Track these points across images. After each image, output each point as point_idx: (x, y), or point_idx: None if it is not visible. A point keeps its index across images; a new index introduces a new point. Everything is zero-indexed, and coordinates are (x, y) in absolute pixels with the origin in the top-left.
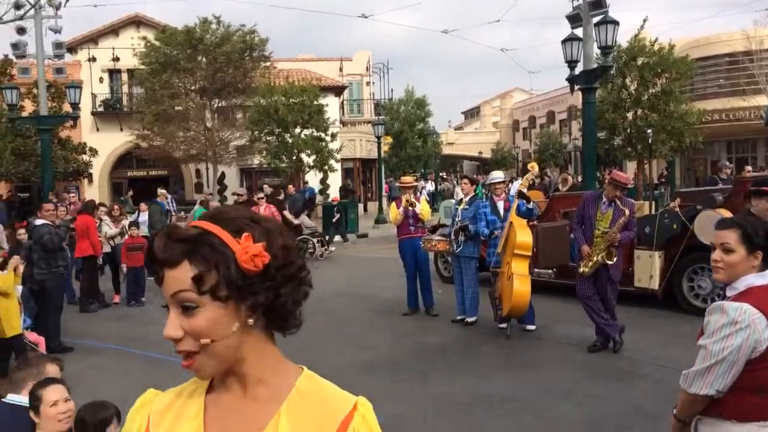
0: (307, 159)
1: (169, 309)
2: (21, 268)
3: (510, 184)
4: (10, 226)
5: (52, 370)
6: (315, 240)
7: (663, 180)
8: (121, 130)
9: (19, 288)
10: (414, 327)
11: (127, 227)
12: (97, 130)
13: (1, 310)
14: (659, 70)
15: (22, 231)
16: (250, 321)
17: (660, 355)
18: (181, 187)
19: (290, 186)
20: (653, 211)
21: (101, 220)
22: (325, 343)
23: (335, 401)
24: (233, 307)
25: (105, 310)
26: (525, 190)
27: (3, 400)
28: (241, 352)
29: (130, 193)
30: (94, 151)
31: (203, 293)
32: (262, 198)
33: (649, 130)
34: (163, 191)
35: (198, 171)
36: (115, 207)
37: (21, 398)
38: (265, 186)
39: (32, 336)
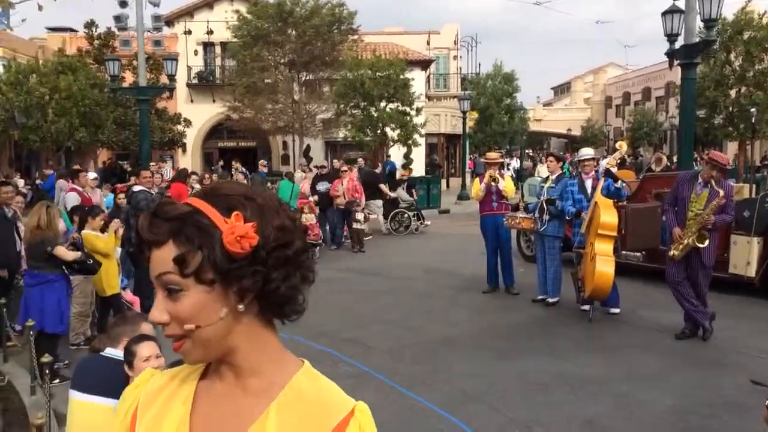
0: (392, 133)
1: (156, 291)
2: (120, 231)
3: (599, 163)
4: (113, 189)
5: (146, 327)
6: (411, 213)
7: (766, 162)
8: (214, 101)
9: (118, 250)
10: (494, 305)
11: None
12: (192, 101)
13: (102, 270)
14: (767, 45)
15: (122, 196)
16: (240, 307)
17: (752, 344)
18: (268, 159)
19: (360, 160)
20: (754, 195)
21: (193, 188)
22: (405, 317)
23: (331, 404)
24: (220, 292)
25: None
26: (613, 169)
27: (102, 353)
28: (231, 340)
29: (221, 162)
30: (188, 122)
31: (187, 276)
32: (346, 171)
33: (753, 109)
34: (237, 164)
35: (285, 143)
36: (206, 176)
37: (118, 352)
38: (335, 161)
39: (128, 296)
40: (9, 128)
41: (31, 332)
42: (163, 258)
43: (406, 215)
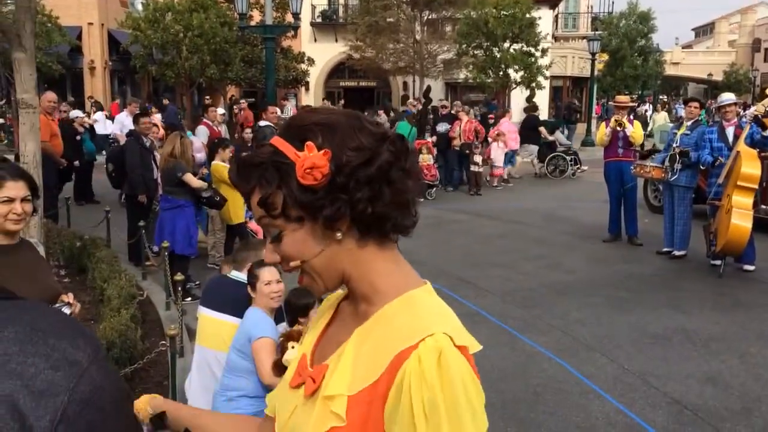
0: (515, 75)
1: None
2: None
3: (743, 110)
4: (240, 126)
5: None
6: (568, 158)
7: None
8: (336, 41)
9: None
10: (613, 254)
11: None
12: (315, 40)
13: (229, 200)
14: None
15: (248, 131)
16: (338, 235)
17: None
18: (388, 99)
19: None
20: None
21: None
22: (519, 261)
23: (407, 332)
24: (312, 225)
25: None
26: (761, 117)
27: (228, 275)
28: (341, 268)
29: (341, 102)
30: (311, 61)
31: (276, 217)
32: (461, 110)
33: None
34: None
35: (405, 83)
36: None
37: (242, 275)
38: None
39: (253, 225)
40: (147, 64)
41: (166, 253)
42: (255, 204)
43: (563, 159)
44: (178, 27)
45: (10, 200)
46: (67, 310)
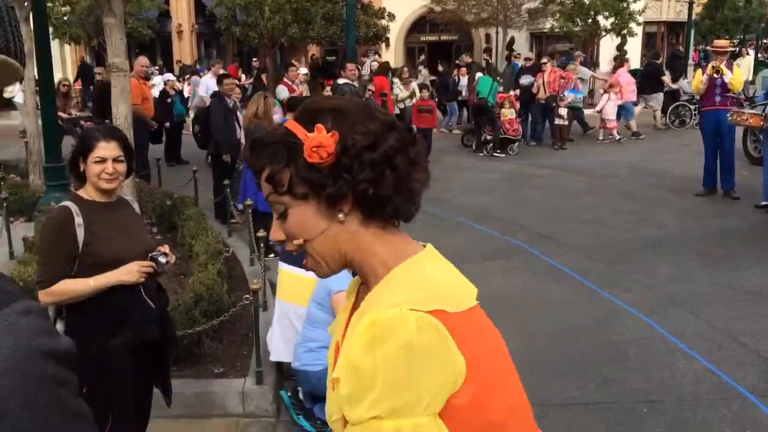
0: (604, 22)
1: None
2: None
3: None
4: (320, 84)
5: None
6: (692, 107)
7: None
8: None
9: None
10: (707, 209)
11: (417, 90)
12: None
13: None
14: None
15: (328, 88)
16: (340, 216)
17: None
18: (470, 53)
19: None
20: None
21: (393, 82)
22: (605, 216)
23: (368, 312)
24: (316, 205)
25: None
26: None
27: None
28: (343, 250)
29: (422, 57)
30: (392, 16)
31: (282, 194)
32: (546, 62)
33: None
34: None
35: (488, 36)
36: (405, 69)
37: None
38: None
39: None
40: (231, 26)
41: (250, 211)
42: (264, 181)
43: (686, 108)
44: None
45: (103, 160)
46: (163, 260)
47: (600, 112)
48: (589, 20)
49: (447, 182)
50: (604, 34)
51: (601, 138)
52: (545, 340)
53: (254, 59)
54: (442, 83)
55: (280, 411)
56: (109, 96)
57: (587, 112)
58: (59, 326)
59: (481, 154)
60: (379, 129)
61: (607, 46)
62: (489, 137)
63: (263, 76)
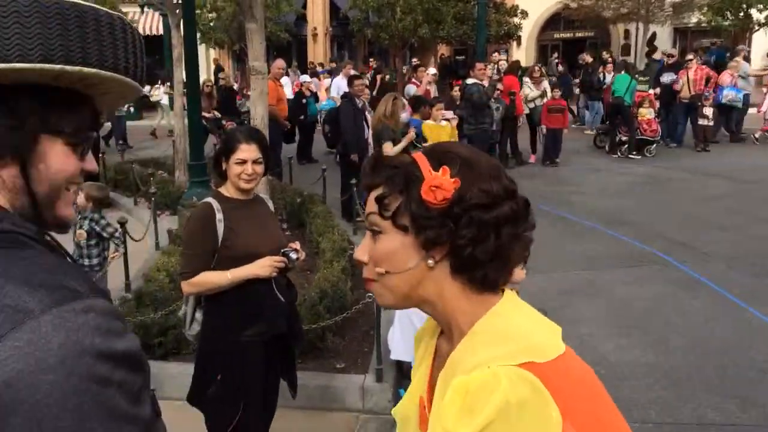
0: (758, 15)
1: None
2: (455, 122)
3: None
4: (449, 84)
5: None
6: None
7: None
8: None
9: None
10: None
11: (548, 89)
12: None
13: None
14: None
15: (456, 88)
16: (430, 262)
17: None
18: (607, 50)
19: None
20: None
21: (523, 81)
22: (748, 223)
23: (460, 371)
24: (413, 242)
25: (521, 167)
26: None
27: None
28: (422, 293)
29: (555, 55)
30: (524, 14)
31: (386, 218)
32: (692, 59)
33: None
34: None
35: (627, 32)
36: (536, 68)
37: None
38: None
39: None
40: (363, 27)
41: None
42: (372, 198)
43: None
44: None
45: (243, 162)
46: (294, 256)
47: (762, 111)
48: (741, 14)
49: (577, 185)
50: (757, 28)
51: (757, 137)
52: (679, 355)
53: (371, 59)
54: (585, 81)
55: None
56: (232, 99)
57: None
58: (198, 316)
59: (615, 156)
60: (501, 193)
61: (761, 41)
62: (624, 138)
63: (378, 77)
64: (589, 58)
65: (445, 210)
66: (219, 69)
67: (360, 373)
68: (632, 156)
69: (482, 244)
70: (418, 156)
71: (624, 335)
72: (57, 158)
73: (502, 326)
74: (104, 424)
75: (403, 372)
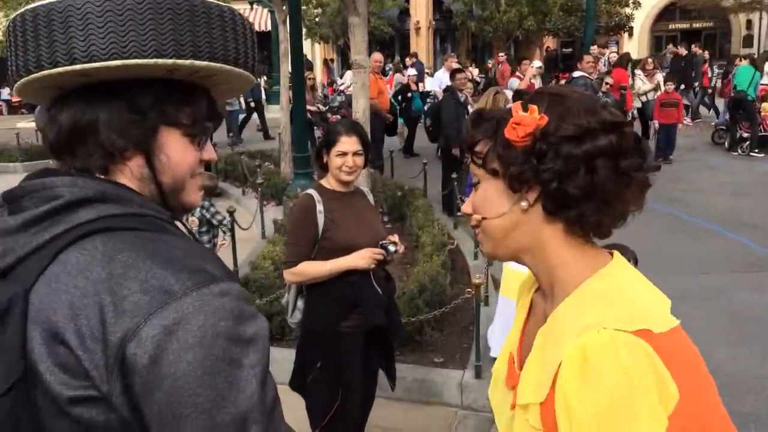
0: None
1: None
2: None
3: None
4: (555, 77)
5: None
6: None
7: None
8: None
9: None
10: None
11: (662, 82)
12: None
13: None
14: None
15: (563, 81)
16: (523, 204)
17: None
18: (727, 41)
19: None
20: None
21: (635, 74)
22: None
23: (567, 334)
24: (502, 184)
25: None
26: None
27: None
28: (518, 239)
29: (670, 46)
30: (636, 4)
31: (479, 165)
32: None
33: None
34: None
35: (749, 22)
36: (649, 61)
37: None
38: None
39: None
40: (467, 21)
41: None
42: (469, 148)
43: None
44: None
45: (344, 154)
46: (392, 248)
47: None
48: None
49: (691, 182)
50: None
51: None
52: None
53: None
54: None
55: None
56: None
57: None
58: (300, 304)
59: (735, 153)
60: (595, 126)
61: None
62: (746, 134)
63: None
64: (682, 51)
65: (528, 146)
66: (308, 66)
67: (458, 369)
68: (754, 154)
69: (571, 179)
70: (515, 103)
71: (741, 345)
72: (177, 149)
73: (614, 289)
74: (235, 403)
75: None
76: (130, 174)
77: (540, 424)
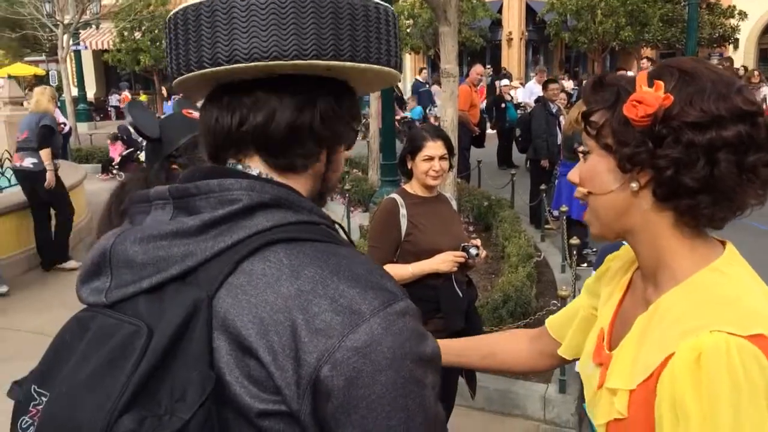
0: None
1: None
2: None
3: None
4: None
5: None
6: None
7: None
8: None
9: None
10: None
11: None
12: None
13: None
14: None
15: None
16: (633, 185)
17: None
18: None
19: None
20: None
21: None
22: None
23: (677, 328)
24: (614, 161)
25: None
26: None
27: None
28: (628, 222)
29: None
30: (743, 15)
31: (591, 136)
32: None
33: None
34: None
35: None
36: (755, 73)
37: None
38: None
39: None
40: (561, 31)
41: (564, 217)
42: (583, 116)
43: None
44: None
45: (430, 158)
46: (473, 251)
47: None
48: None
49: None
50: None
51: None
52: None
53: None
54: None
55: (582, 424)
56: None
57: None
58: None
59: None
60: (725, 114)
61: None
62: None
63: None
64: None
65: (647, 128)
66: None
67: (542, 382)
68: None
69: (689, 169)
70: (641, 73)
71: None
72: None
73: (728, 286)
74: (425, 423)
75: None
76: (311, 172)
77: (626, 410)
